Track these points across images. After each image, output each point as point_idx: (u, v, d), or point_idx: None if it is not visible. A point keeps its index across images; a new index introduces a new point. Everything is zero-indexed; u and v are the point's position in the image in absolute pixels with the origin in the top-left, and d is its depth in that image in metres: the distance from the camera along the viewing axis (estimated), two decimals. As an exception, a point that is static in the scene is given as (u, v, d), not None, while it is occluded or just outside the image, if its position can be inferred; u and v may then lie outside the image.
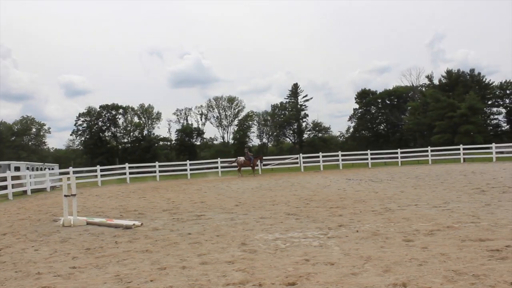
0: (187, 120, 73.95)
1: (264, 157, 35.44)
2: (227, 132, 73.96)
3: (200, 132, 72.43)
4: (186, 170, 34.03)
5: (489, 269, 4.95)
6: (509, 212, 8.71)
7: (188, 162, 34.82)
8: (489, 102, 62.79)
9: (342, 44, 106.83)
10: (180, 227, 9.13)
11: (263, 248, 6.72)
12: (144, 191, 20.60)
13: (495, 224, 7.58)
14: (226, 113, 73.77)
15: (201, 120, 74.15)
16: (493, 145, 33.58)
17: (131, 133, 71.46)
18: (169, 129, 74.00)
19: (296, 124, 72.39)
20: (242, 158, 31.26)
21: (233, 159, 33.94)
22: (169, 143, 73.21)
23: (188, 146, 69.63)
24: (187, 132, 70.45)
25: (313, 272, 5.22)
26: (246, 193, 16.78)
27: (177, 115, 74.02)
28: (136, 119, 72.83)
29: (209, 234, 8.18)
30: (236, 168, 31.97)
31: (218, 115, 73.73)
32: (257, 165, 32.18)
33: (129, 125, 71.58)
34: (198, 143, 73.03)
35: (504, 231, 6.95)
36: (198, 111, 74.06)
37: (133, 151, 67.34)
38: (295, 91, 73.02)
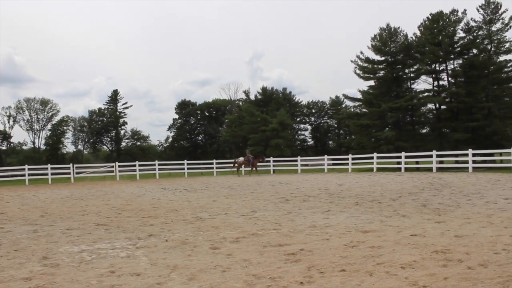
0: (-9, 122, 66.11)
1: (79, 165, 33.71)
2: (39, 137, 67.78)
3: (6, 136, 65.34)
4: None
5: (284, 271, 5.36)
6: (306, 219, 9.58)
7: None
8: (298, 119, 69.53)
9: (166, 54, 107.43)
10: (-30, 243, 8.09)
11: (67, 261, 6.29)
12: None
13: (294, 230, 8.26)
14: (39, 116, 67.54)
15: (8, 122, 66.75)
16: (299, 158, 36.99)
17: None
18: (-32, 131, 65.18)
19: (114, 131, 70.01)
20: (241, 159, 33.72)
21: (235, 159, 35.60)
22: (-33, 147, 64.61)
23: (-9, 151, 62.41)
24: (-10, 135, 63.12)
25: (118, 284, 5.06)
26: (55, 202, 15.61)
27: (-20, 116, 65.69)
28: None
29: (6, 249, 7.37)
30: (235, 169, 34.00)
31: (29, 118, 67.28)
32: (258, 165, 33.72)
33: None
34: (4, 147, 65.86)
35: (300, 236, 7.62)
36: (6, 113, 66.53)
37: None
38: (114, 97, 70.49)
